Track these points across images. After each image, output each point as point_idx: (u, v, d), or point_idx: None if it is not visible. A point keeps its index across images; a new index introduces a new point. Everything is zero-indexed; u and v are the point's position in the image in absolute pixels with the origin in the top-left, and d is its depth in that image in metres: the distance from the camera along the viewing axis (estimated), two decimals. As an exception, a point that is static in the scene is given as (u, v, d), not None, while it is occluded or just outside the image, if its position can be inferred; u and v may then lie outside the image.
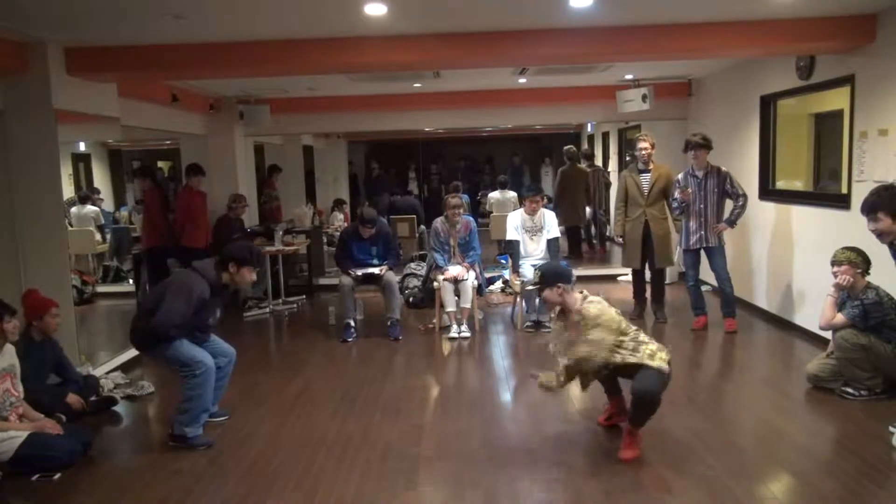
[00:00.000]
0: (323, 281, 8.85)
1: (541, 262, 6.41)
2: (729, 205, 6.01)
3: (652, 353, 3.62)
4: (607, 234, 11.17)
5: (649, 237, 6.30)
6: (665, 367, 3.61)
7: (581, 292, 3.80)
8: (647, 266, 6.51)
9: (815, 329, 5.22)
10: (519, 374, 5.26)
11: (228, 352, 4.35)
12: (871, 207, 3.68)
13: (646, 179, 6.30)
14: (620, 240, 6.66)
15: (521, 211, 6.59)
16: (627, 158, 6.62)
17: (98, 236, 7.77)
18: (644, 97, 7.47)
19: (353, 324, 6.37)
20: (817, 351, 5.11)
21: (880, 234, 3.70)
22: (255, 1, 4.17)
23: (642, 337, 3.70)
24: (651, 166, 6.32)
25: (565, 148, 10.60)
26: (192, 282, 3.99)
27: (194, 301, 3.92)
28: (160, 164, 11.63)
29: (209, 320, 4.16)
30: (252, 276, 4.17)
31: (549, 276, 3.79)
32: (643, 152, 6.32)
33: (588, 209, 10.22)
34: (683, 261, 6.23)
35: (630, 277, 6.90)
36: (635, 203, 6.34)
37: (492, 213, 10.25)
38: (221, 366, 4.24)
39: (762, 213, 6.63)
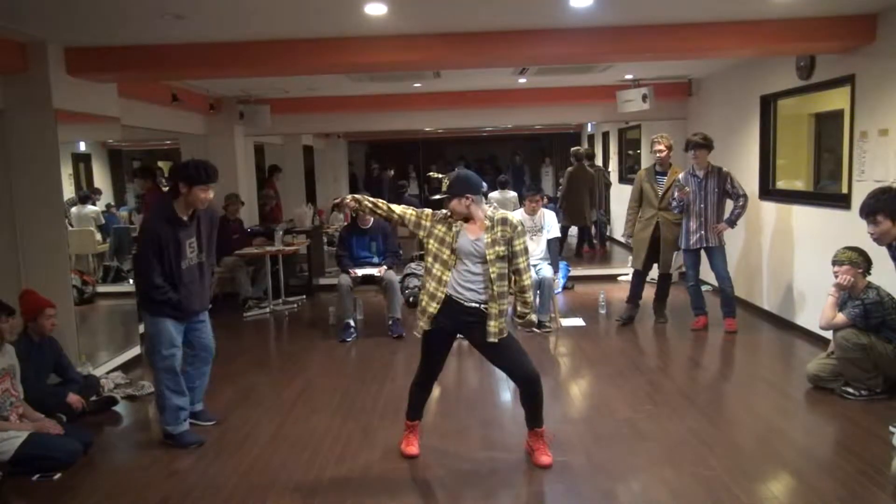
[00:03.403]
0: (323, 281, 8.86)
1: (541, 261, 6.42)
2: (729, 205, 6.00)
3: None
4: (607, 233, 11.19)
5: (658, 240, 6.27)
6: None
7: (490, 205, 3.62)
8: (651, 268, 6.50)
9: (815, 329, 5.22)
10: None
11: (209, 346, 4.23)
12: (871, 210, 3.66)
13: (661, 183, 6.25)
14: (629, 239, 6.62)
15: (521, 211, 6.58)
16: (642, 163, 6.49)
17: (98, 236, 7.77)
18: (644, 97, 7.47)
19: (352, 324, 6.37)
20: (818, 351, 5.11)
21: (879, 237, 3.68)
22: (255, 1, 4.17)
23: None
24: (669, 170, 6.26)
25: (573, 149, 10.60)
26: (146, 227, 3.86)
27: (152, 246, 3.77)
28: (160, 164, 11.63)
29: (183, 263, 3.87)
30: (207, 195, 3.86)
31: (458, 187, 3.46)
32: (658, 154, 6.26)
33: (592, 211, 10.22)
34: (684, 260, 6.22)
35: (631, 277, 6.89)
36: (649, 205, 6.30)
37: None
38: (199, 359, 4.20)
39: (762, 213, 6.63)
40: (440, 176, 3.59)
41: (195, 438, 4.01)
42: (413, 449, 3.73)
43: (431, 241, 3.53)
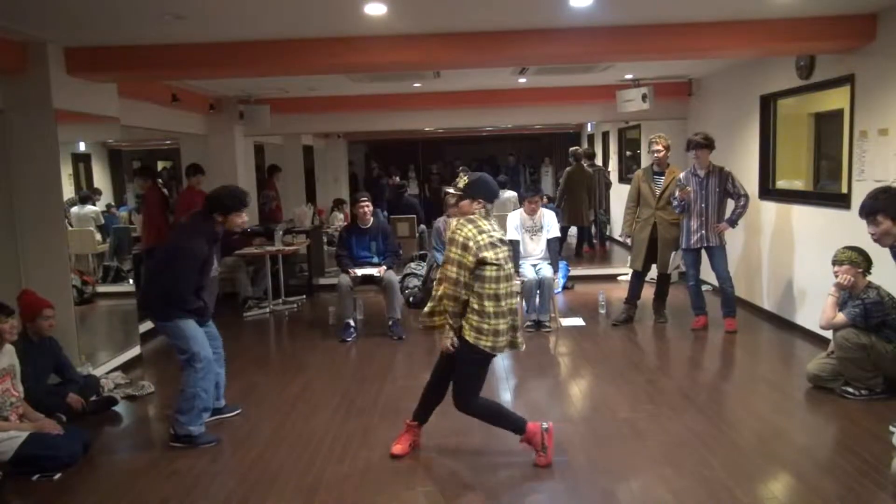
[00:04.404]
0: (323, 281, 8.86)
1: (541, 261, 6.42)
2: (730, 204, 6.00)
3: (489, 315, 3.35)
4: (607, 233, 11.19)
5: (656, 240, 6.28)
6: (486, 346, 3.37)
7: (487, 216, 3.51)
8: (650, 268, 6.50)
9: (815, 329, 5.22)
10: (519, 374, 5.26)
11: (216, 335, 4.37)
12: (871, 210, 3.63)
13: (659, 183, 6.26)
14: (629, 240, 6.65)
15: (520, 211, 6.58)
16: (642, 163, 6.50)
17: (98, 236, 7.77)
18: (644, 97, 7.47)
19: (352, 324, 6.37)
20: (818, 351, 5.11)
21: (880, 238, 3.66)
22: (254, 1, 4.17)
23: (503, 288, 3.39)
24: (666, 169, 6.27)
25: (572, 149, 10.60)
26: (190, 247, 3.93)
27: (194, 265, 3.92)
28: (160, 164, 11.63)
29: (211, 274, 4.14)
30: (242, 220, 4.08)
31: (476, 189, 3.48)
32: (656, 155, 6.27)
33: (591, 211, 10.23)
34: (684, 260, 6.23)
35: (629, 277, 6.89)
36: (646, 205, 6.31)
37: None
38: (215, 350, 4.27)
39: (762, 213, 6.63)
40: (462, 171, 3.58)
41: (213, 437, 4.04)
42: (398, 448, 3.75)
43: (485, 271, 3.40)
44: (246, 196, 4.13)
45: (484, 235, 3.38)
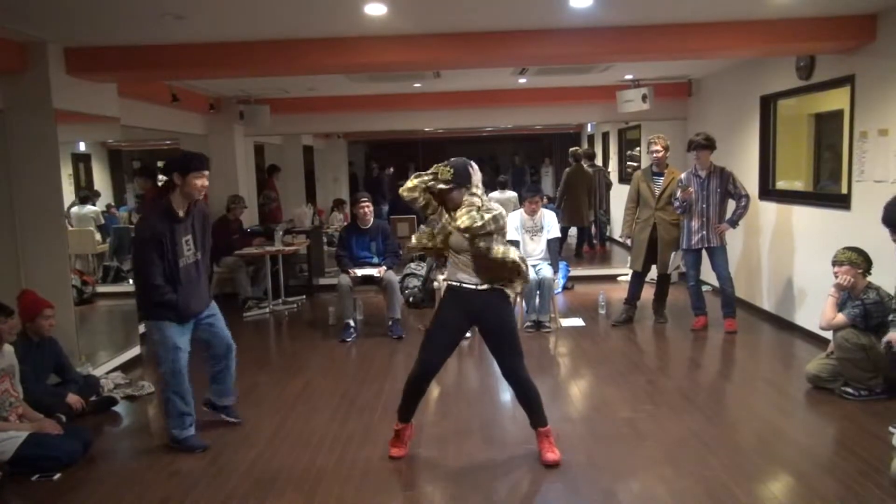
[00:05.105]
0: (323, 281, 8.86)
1: (541, 261, 6.42)
2: (731, 205, 6.00)
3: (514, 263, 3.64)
4: (607, 234, 11.20)
5: (656, 240, 6.28)
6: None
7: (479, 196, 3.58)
8: (650, 269, 6.50)
9: (815, 329, 5.22)
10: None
11: (225, 342, 4.11)
12: None
13: (658, 183, 6.26)
14: (629, 240, 6.65)
15: (520, 211, 6.58)
16: (641, 163, 6.50)
17: (98, 236, 7.76)
18: (644, 97, 7.47)
19: (352, 324, 6.37)
20: (817, 351, 5.11)
21: None
22: (254, 1, 4.17)
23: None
24: (665, 170, 6.26)
25: (572, 149, 10.61)
26: (143, 225, 3.80)
27: (151, 242, 3.69)
28: (160, 164, 11.63)
29: (180, 261, 3.78)
30: (202, 182, 3.79)
31: (465, 176, 3.49)
32: (655, 155, 6.27)
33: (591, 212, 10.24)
34: (684, 260, 6.23)
35: (629, 278, 6.89)
36: (646, 205, 6.31)
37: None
38: (218, 355, 4.11)
39: (763, 214, 6.63)
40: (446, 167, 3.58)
41: (199, 443, 3.96)
42: (396, 451, 3.73)
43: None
44: (206, 159, 3.87)
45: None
